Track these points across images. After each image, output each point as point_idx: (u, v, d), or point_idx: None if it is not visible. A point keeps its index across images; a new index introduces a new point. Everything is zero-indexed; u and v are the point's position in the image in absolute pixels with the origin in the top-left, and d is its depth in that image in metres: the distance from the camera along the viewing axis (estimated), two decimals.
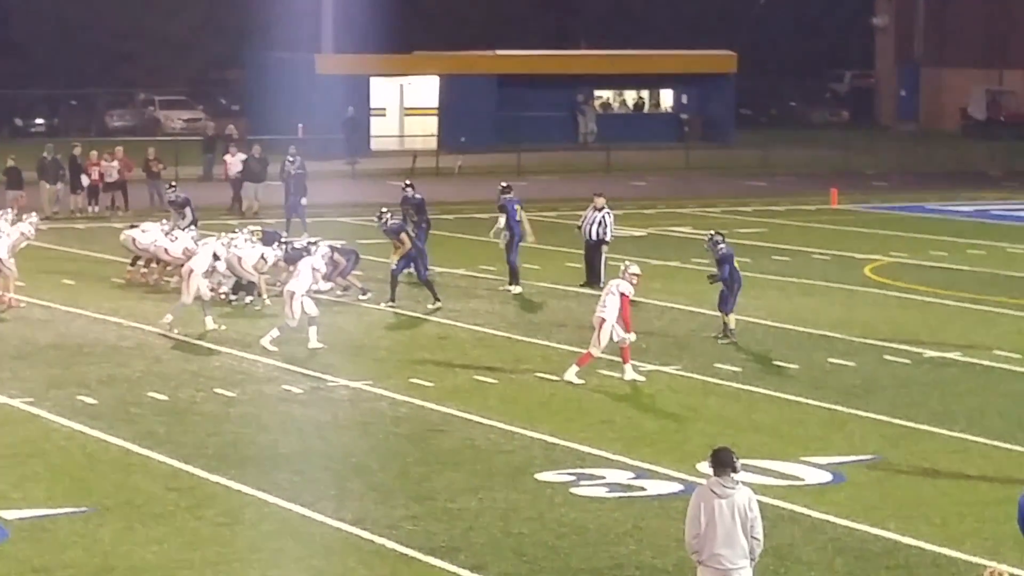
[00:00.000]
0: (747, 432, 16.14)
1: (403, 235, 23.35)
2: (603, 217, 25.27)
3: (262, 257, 23.41)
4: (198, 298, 21.28)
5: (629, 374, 18.40)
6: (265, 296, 23.25)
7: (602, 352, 18.31)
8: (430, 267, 25.58)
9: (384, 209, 23.99)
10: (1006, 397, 17.75)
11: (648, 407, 17.47)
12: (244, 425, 16.48)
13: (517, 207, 25.23)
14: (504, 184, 25.48)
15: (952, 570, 12.20)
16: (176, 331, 21.02)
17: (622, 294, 18.35)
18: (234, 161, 36.95)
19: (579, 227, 25.53)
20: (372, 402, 17.51)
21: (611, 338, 18.25)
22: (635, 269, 18.65)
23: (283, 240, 23.94)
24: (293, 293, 20.13)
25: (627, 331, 18.30)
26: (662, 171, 46.28)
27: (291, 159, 33.51)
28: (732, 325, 20.68)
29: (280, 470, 14.69)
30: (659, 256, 28.82)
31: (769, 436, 16.05)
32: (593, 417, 16.89)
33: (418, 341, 21.13)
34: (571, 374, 18.28)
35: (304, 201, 31.66)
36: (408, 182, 27.27)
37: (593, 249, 25.40)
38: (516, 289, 24.41)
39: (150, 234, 25.19)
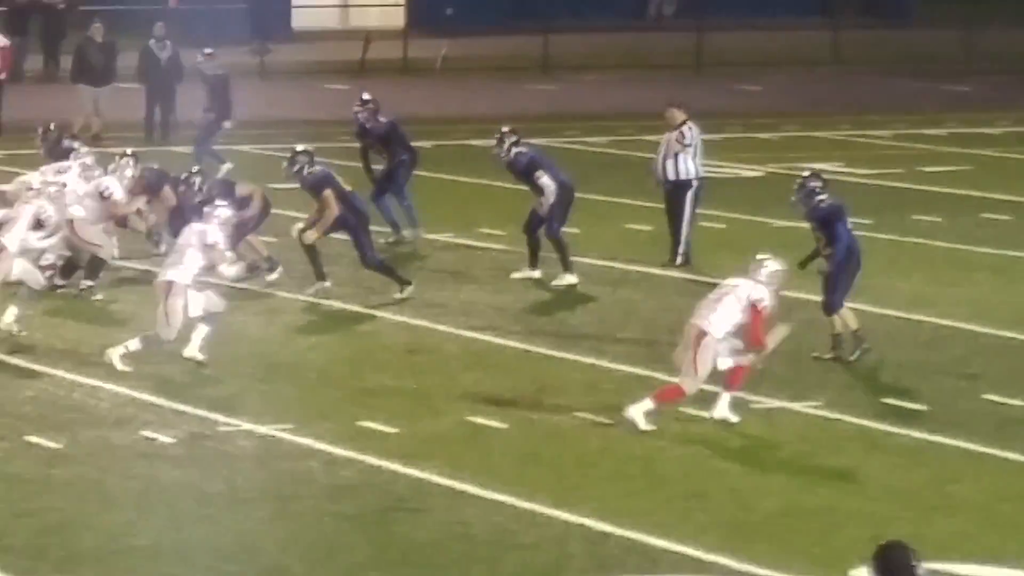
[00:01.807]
0: (938, 514, 16.20)
1: (327, 193, 23.29)
2: (684, 134, 25.27)
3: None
4: (10, 284, 21.41)
5: (721, 410, 18.44)
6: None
7: (701, 385, 18.34)
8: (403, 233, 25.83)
9: (300, 148, 24.01)
10: None
11: (765, 470, 17.54)
12: (77, 498, 16.55)
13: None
14: (505, 130, 25.38)
15: None
16: None
17: (753, 304, 18.34)
18: None
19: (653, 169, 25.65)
20: (294, 460, 17.60)
21: (715, 365, 18.30)
22: (775, 265, 18.69)
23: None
24: (172, 284, 20.17)
25: (757, 346, 18.35)
26: (791, 67, 46.37)
27: (209, 55, 33.69)
28: (850, 326, 20.68)
29: (139, 575, 14.71)
30: (785, 213, 28.77)
31: (975, 522, 16.10)
32: (672, 488, 16.96)
33: (373, 355, 21.25)
34: (638, 413, 18.33)
35: (228, 124, 32.42)
36: (365, 97, 27.30)
37: (675, 197, 25.46)
38: (570, 278, 24.44)
39: None
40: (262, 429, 18.38)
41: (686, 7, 54.29)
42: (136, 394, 19.44)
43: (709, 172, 26.43)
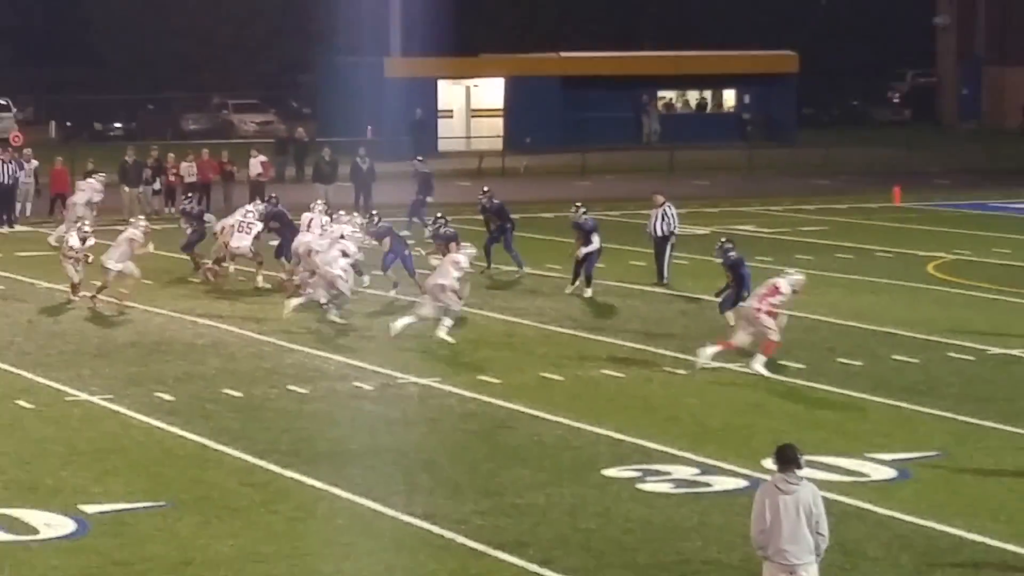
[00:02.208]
0: (811, 428, 16.01)
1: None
2: (665, 210, 25.19)
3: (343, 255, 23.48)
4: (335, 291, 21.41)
5: (704, 356, 18.44)
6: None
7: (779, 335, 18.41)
8: (494, 266, 25.76)
9: (439, 215, 24.08)
10: None
11: (713, 404, 17.35)
12: (316, 421, 16.53)
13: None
14: (579, 204, 25.17)
15: (1020, 566, 12.02)
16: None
17: (777, 288, 18.56)
18: (254, 163, 36.31)
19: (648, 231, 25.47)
20: (441, 399, 17.52)
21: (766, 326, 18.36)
22: (798, 276, 18.94)
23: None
24: (442, 286, 20.12)
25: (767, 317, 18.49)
26: (725, 170, 46.00)
27: (421, 160, 33.67)
28: (729, 323, 20.44)
29: (352, 465, 14.71)
30: None
31: (833, 433, 15.91)
32: (659, 414, 16.81)
33: (485, 339, 21.07)
34: (706, 356, 18.31)
35: (430, 198, 32.17)
36: (486, 188, 27.40)
37: (659, 245, 25.34)
38: (588, 291, 24.30)
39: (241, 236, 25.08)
40: (422, 380, 18.33)
41: (664, 135, 54.04)
42: (350, 361, 19.42)
43: (680, 231, 26.24)
